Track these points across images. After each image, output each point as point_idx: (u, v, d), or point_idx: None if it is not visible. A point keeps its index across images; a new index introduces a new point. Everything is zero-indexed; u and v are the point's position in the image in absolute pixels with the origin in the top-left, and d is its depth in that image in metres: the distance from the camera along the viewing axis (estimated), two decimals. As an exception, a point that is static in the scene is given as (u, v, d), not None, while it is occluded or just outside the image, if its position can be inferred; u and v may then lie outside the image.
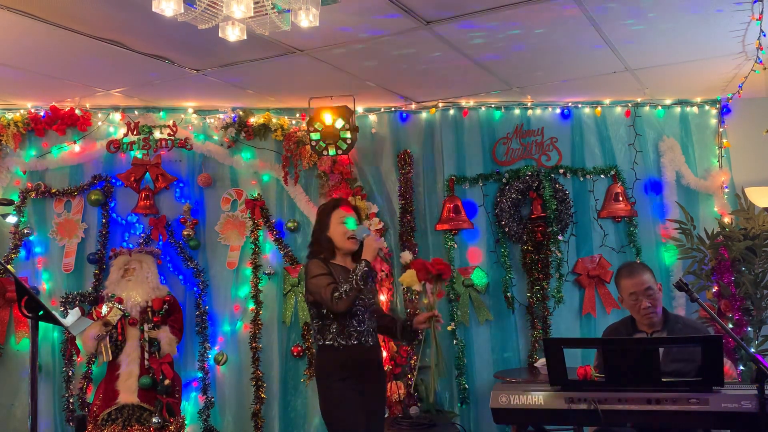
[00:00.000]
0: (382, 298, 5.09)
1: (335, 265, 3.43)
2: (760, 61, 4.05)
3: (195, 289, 5.20)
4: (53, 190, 5.11)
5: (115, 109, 5.20)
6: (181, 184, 5.26)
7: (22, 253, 5.04)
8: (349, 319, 3.34)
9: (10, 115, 5.05)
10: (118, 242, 5.15)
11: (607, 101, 5.29)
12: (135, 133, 5.17)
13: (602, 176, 5.25)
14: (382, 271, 5.17)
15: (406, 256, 3.53)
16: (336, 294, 3.23)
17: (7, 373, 4.94)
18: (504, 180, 5.18)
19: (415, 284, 3.48)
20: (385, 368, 4.99)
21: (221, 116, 5.28)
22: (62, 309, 4.94)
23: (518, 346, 5.17)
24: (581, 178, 5.25)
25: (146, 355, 4.67)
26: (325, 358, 3.38)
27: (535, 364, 4.97)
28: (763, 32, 3.64)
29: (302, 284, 5.19)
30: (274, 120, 5.28)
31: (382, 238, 3.40)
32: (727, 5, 3.47)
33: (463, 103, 5.27)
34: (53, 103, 5.06)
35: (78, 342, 4.87)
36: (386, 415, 4.89)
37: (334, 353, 3.34)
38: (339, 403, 3.30)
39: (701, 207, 5.24)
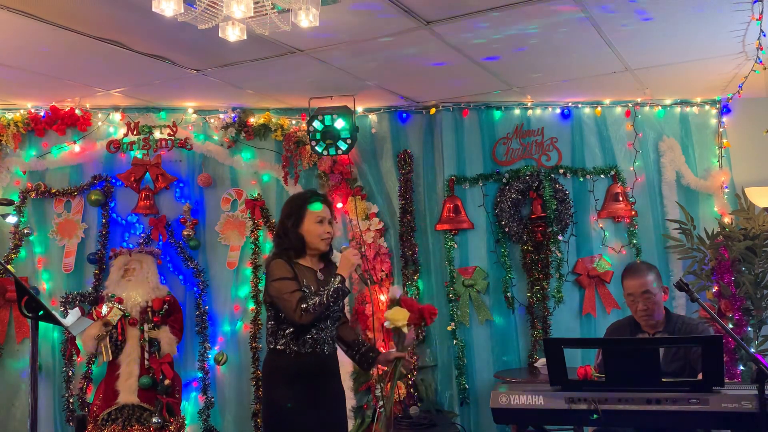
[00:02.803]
0: (382, 298, 5.09)
1: (301, 267, 3.16)
2: (760, 61, 4.05)
3: (195, 289, 5.20)
4: (53, 190, 5.11)
5: (115, 109, 5.20)
6: (181, 184, 5.25)
7: (23, 253, 5.05)
8: (307, 325, 3.09)
9: (10, 115, 5.05)
10: (118, 242, 5.15)
11: (607, 101, 5.29)
12: (135, 133, 5.17)
13: (602, 176, 5.25)
14: (383, 271, 5.17)
15: (395, 291, 3.29)
16: (303, 305, 2.97)
17: (7, 373, 4.95)
18: (504, 180, 5.17)
19: (401, 324, 3.19)
20: (385, 368, 5.00)
21: (221, 116, 5.28)
22: (62, 309, 4.94)
23: (518, 346, 5.17)
24: (581, 178, 5.25)
25: (146, 355, 4.67)
26: (275, 364, 3.13)
27: (535, 364, 4.97)
28: (763, 32, 3.64)
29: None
30: (274, 120, 5.28)
31: (359, 254, 3.20)
32: (727, 5, 3.47)
33: (463, 103, 5.27)
34: (53, 103, 5.06)
35: (78, 342, 4.87)
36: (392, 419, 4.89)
37: (284, 359, 3.09)
38: (282, 415, 3.06)
39: (701, 207, 5.24)
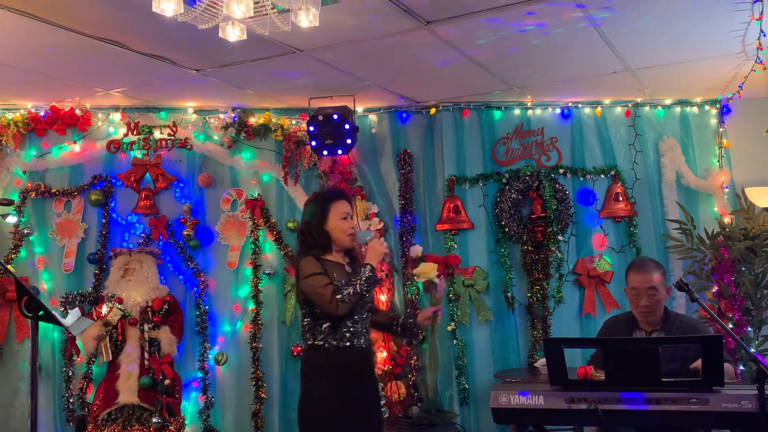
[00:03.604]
0: (382, 298, 5.09)
1: (329, 262, 3.19)
2: (760, 61, 4.05)
3: (195, 289, 5.20)
4: (53, 190, 5.11)
5: (115, 109, 5.20)
6: (181, 184, 5.25)
7: (23, 253, 5.04)
8: (343, 319, 3.12)
9: (10, 115, 5.05)
10: (118, 242, 5.15)
11: (607, 101, 5.29)
12: (135, 133, 5.17)
13: (602, 176, 5.25)
14: (382, 270, 5.17)
15: (417, 249, 3.42)
16: (338, 296, 3.02)
17: (7, 373, 4.94)
18: (504, 180, 5.18)
19: (433, 277, 3.32)
20: (385, 368, 5.01)
21: (221, 116, 5.28)
22: (62, 309, 4.94)
23: (518, 346, 5.17)
24: (581, 178, 5.25)
25: (146, 355, 4.67)
26: (313, 360, 3.15)
27: (535, 364, 4.96)
28: (763, 32, 3.64)
29: (302, 284, 5.19)
30: (274, 120, 5.28)
31: (385, 242, 3.27)
32: (727, 5, 3.47)
33: (463, 103, 5.27)
34: (53, 103, 5.06)
35: (78, 342, 4.87)
36: (386, 416, 4.89)
37: (324, 354, 3.11)
38: (322, 410, 3.08)
39: (701, 207, 5.24)
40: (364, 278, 3.09)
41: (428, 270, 3.33)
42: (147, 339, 4.69)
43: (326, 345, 3.12)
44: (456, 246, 5.18)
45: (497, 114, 5.31)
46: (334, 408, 3.07)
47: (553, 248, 5.09)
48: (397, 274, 3.56)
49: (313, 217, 3.23)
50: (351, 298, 3.04)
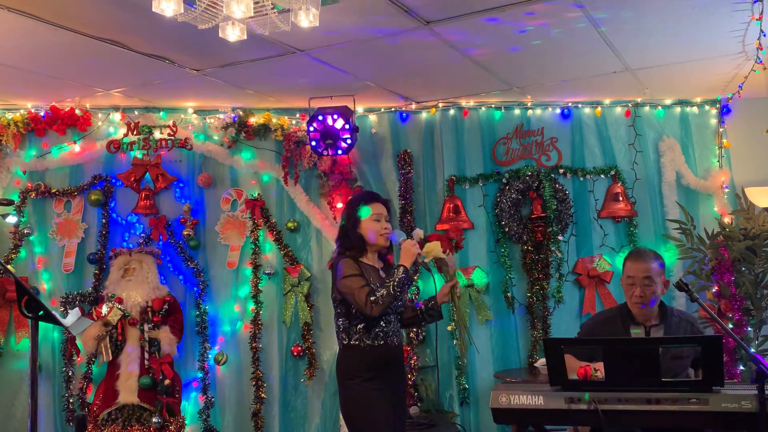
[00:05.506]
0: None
1: (365, 265, 3.32)
2: (760, 61, 4.05)
3: (195, 289, 5.20)
4: (53, 190, 5.11)
5: (115, 109, 5.19)
6: (181, 184, 5.25)
7: (23, 253, 5.05)
8: (377, 319, 3.26)
9: (10, 115, 5.04)
10: (118, 242, 5.15)
11: (607, 101, 5.29)
12: (135, 133, 5.17)
13: (602, 176, 5.25)
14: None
15: (419, 232, 3.49)
16: (372, 298, 3.14)
17: (7, 373, 4.94)
18: (504, 180, 5.18)
19: (439, 253, 3.37)
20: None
21: (221, 116, 5.28)
22: (62, 309, 4.94)
23: (518, 346, 5.17)
24: (581, 178, 5.25)
25: (146, 355, 4.67)
26: (350, 359, 3.30)
27: (535, 364, 4.97)
28: (763, 32, 3.64)
29: (302, 284, 5.20)
30: (274, 120, 5.28)
31: (417, 244, 3.33)
32: (727, 5, 3.47)
33: (463, 103, 5.27)
34: (53, 103, 5.06)
35: (78, 342, 4.87)
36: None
37: (359, 353, 3.26)
38: (364, 405, 3.23)
39: (701, 207, 5.24)
40: (396, 280, 3.19)
41: (433, 248, 3.37)
42: (147, 339, 4.69)
43: (362, 344, 3.27)
44: (456, 246, 5.18)
45: (497, 114, 5.31)
46: (374, 403, 3.23)
47: (553, 248, 5.09)
48: (432, 273, 3.58)
49: (348, 221, 3.39)
50: (384, 299, 3.16)
